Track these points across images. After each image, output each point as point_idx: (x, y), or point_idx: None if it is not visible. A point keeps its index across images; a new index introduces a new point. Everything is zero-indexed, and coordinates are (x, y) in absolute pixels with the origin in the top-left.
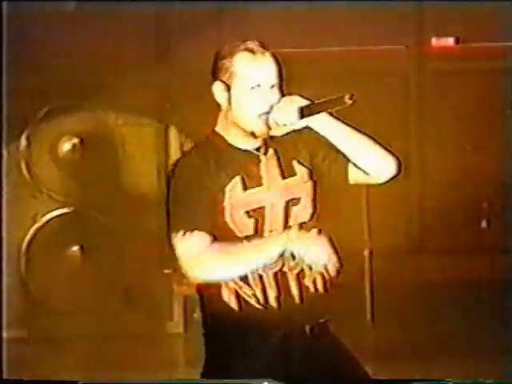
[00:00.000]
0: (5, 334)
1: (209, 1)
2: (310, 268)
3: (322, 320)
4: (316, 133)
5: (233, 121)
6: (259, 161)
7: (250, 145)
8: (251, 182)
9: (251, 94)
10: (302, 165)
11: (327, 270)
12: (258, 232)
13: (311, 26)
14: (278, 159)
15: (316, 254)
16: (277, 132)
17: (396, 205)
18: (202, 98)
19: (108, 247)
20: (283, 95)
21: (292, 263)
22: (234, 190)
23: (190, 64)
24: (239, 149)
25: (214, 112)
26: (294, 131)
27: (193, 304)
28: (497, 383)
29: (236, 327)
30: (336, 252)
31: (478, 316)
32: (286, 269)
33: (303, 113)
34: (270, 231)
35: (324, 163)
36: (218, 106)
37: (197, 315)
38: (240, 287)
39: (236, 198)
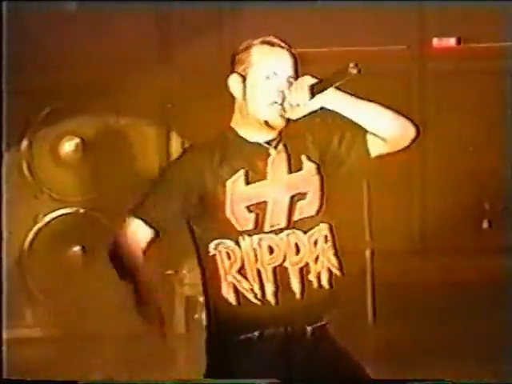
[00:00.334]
0: (5, 335)
1: (210, 1)
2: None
3: (321, 323)
4: (328, 119)
5: (247, 112)
6: (268, 154)
7: (262, 137)
8: (255, 176)
9: (266, 83)
10: (310, 160)
11: None
12: (257, 227)
13: (312, 27)
14: (288, 154)
15: None
16: (293, 115)
17: (397, 205)
18: (204, 98)
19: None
20: None
21: (295, 258)
22: (235, 183)
23: (192, 64)
24: (250, 142)
25: (219, 112)
26: (311, 114)
27: (194, 305)
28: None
29: (235, 324)
30: None
31: (479, 316)
32: (287, 264)
33: (313, 90)
34: (271, 226)
35: (341, 147)
36: (222, 106)
37: (198, 316)
38: (238, 281)
39: (237, 192)
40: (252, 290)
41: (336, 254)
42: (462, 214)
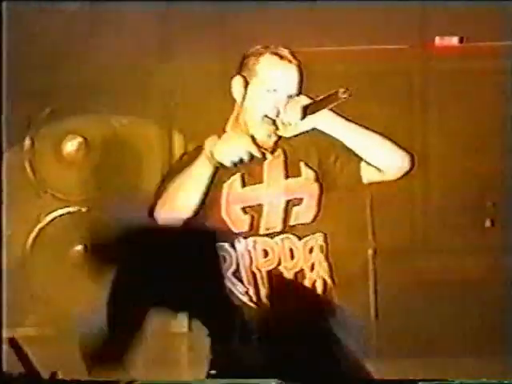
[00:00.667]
0: (8, 333)
1: (212, 1)
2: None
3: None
4: (326, 134)
5: (243, 120)
6: (264, 159)
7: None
8: (251, 179)
9: (265, 96)
10: (309, 167)
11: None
12: (253, 229)
13: (314, 26)
14: (285, 159)
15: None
16: (285, 133)
17: (400, 204)
18: (207, 98)
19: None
20: None
21: (289, 263)
22: (232, 185)
23: (194, 64)
24: None
25: (219, 112)
26: (303, 133)
27: None
28: (500, 383)
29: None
30: None
31: (481, 315)
32: (282, 268)
33: (306, 111)
34: (267, 229)
35: (336, 164)
36: (224, 107)
37: None
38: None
39: (233, 194)
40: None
41: (330, 265)
42: (465, 213)
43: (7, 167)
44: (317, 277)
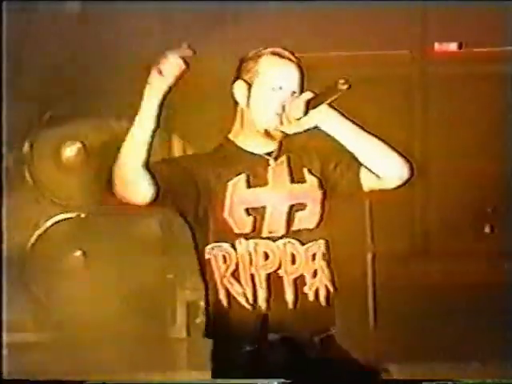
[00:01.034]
0: (8, 339)
1: (212, 1)
2: None
3: (328, 333)
4: (328, 137)
5: (248, 121)
6: (268, 165)
7: (262, 148)
8: (256, 180)
9: (271, 94)
10: (313, 174)
11: None
12: (255, 230)
13: (313, 31)
14: (289, 166)
15: None
16: (288, 129)
17: (399, 208)
18: (207, 101)
19: (110, 252)
20: None
21: (290, 268)
22: (237, 185)
23: (195, 67)
24: (249, 152)
25: (219, 116)
26: (305, 131)
27: (195, 309)
28: (499, 383)
29: (233, 330)
30: None
31: (481, 320)
32: (282, 273)
33: (308, 106)
34: (269, 232)
35: (336, 171)
36: (223, 111)
37: (199, 320)
38: (231, 284)
39: (238, 194)
40: (244, 294)
41: (331, 273)
42: (464, 218)
43: (6, 172)
44: (320, 284)
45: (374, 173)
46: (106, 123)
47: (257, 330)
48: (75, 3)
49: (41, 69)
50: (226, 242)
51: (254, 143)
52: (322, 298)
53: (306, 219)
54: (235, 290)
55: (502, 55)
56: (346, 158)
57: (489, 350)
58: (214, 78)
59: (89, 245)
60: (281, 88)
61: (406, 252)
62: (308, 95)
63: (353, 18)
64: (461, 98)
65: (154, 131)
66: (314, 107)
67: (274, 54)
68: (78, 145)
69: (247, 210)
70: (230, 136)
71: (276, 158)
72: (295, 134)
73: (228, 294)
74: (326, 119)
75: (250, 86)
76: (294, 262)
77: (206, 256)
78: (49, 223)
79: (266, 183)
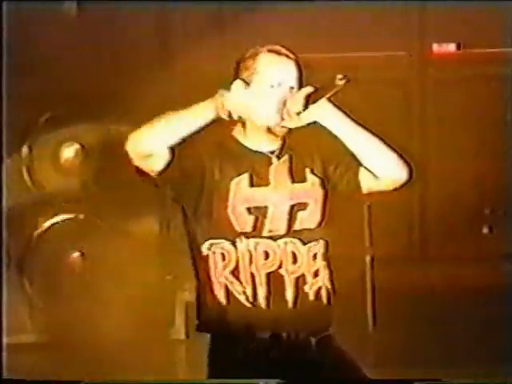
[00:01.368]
0: (7, 340)
1: (212, 1)
2: None
3: (326, 333)
4: (329, 137)
5: (249, 119)
6: (270, 163)
7: (265, 146)
8: (259, 180)
9: (270, 91)
10: (314, 174)
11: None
12: (256, 230)
13: (312, 33)
14: (291, 165)
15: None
16: (289, 123)
17: (397, 211)
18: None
19: (109, 253)
20: None
21: (291, 267)
22: (239, 184)
23: (193, 70)
24: (252, 150)
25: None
26: (306, 126)
27: (194, 310)
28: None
29: (225, 325)
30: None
31: (479, 322)
32: (283, 271)
33: (307, 101)
34: (270, 231)
35: (336, 172)
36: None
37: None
38: (231, 282)
39: (240, 193)
40: (244, 292)
41: (331, 273)
42: (463, 220)
43: (5, 173)
44: (321, 283)
45: (371, 172)
46: (104, 125)
47: (255, 329)
48: (74, 3)
49: (40, 69)
50: (226, 239)
51: (257, 141)
52: (322, 298)
53: (308, 219)
54: (235, 288)
55: (501, 56)
56: (347, 158)
57: (488, 355)
58: (213, 80)
59: (87, 246)
60: (280, 85)
61: (404, 254)
62: (308, 90)
63: (351, 19)
64: (459, 99)
65: (202, 127)
66: (314, 102)
67: (271, 51)
68: (76, 146)
69: (249, 208)
70: (234, 133)
71: (279, 157)
72: (296, 128)
73: (227, 292)
74: (326, 114)
75: (248, 85)
76: (295, 261)
77: (204, 252)
78: (47, 224)
79: (267, 183)
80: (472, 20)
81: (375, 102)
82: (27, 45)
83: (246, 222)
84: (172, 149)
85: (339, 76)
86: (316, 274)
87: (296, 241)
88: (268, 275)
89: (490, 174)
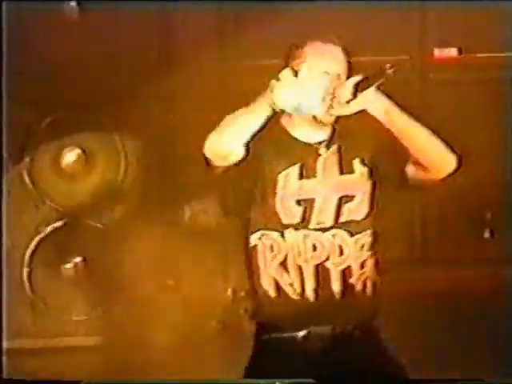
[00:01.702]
0: (6, 345)
1: (212, 0)
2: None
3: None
4: (377, 126)
5: (298, 109)
6: (319, 154)
7: (314, 137)
8: (307, 172)
9: (318, 79)
10: (363, 164)
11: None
12: (304, 222)
13: (312, 36)
14: (340, 156)
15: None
16: (338, 111)
17: (398, 214)
18: (207, 109)
19: (110, 258)
20: None
21: (337, 259)
22: (288, 177)
23: (196, 74)
24: (301, 141)
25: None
26: (353, 115)
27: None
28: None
29: (277, 320)
30: None
31: (480, 326)
32: (329, 264)
33: (356, 89)
34: (318, 223)
35: (382, 162)
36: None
37: (242, 311)
38: (280, 275)
39: (290, 186)
40: (292, 284)
41: (377, 264)
42: (464, 223)
43: (6, 178)
44: (369, 274)
45: (420, 161)
46: (105, 129)
47: (303, 320)
48: (75, 4)
49: (41, 70)
50: (276, 230)
51: (305, 131)
52: (368, 290)
53: (355, 210)
54: (284, 280)
55: (503, 61)
56: (395, 147)
57: (488, 358)
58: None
59: (89, 251)
60: (327, 72)
61: (405, 257)
62: (356, 78)
63: (351, 23)
64: (461, 104)
65: (267, 119)
66: (363, 90)
67: (317, 40)
68: (78, 150)
69: (298, 201)
70: (283, 123)
71: (327, 147)
72: (344, 117)
73: (276, 283)
74: (375, 103)
75: (296, 73)
76: (341, 253)
77: (253, 243)
78: (49, 229)
79: (315, 175)
80: (474, 25)
81: None
82: (27, 46)
83: (294, 214)
84: (247, 145)
85: (388, 65)
86: (362, 266)
87: (343, 232)
88: (316, 267)
89: (492, 178)
